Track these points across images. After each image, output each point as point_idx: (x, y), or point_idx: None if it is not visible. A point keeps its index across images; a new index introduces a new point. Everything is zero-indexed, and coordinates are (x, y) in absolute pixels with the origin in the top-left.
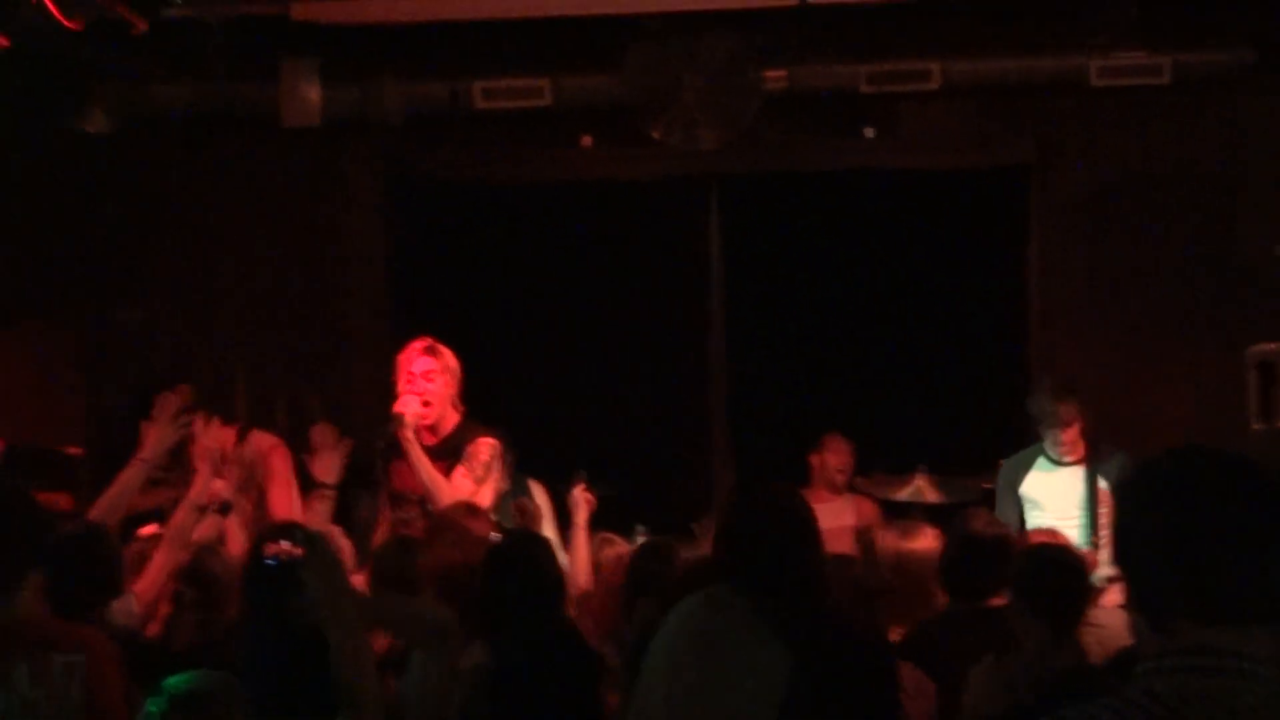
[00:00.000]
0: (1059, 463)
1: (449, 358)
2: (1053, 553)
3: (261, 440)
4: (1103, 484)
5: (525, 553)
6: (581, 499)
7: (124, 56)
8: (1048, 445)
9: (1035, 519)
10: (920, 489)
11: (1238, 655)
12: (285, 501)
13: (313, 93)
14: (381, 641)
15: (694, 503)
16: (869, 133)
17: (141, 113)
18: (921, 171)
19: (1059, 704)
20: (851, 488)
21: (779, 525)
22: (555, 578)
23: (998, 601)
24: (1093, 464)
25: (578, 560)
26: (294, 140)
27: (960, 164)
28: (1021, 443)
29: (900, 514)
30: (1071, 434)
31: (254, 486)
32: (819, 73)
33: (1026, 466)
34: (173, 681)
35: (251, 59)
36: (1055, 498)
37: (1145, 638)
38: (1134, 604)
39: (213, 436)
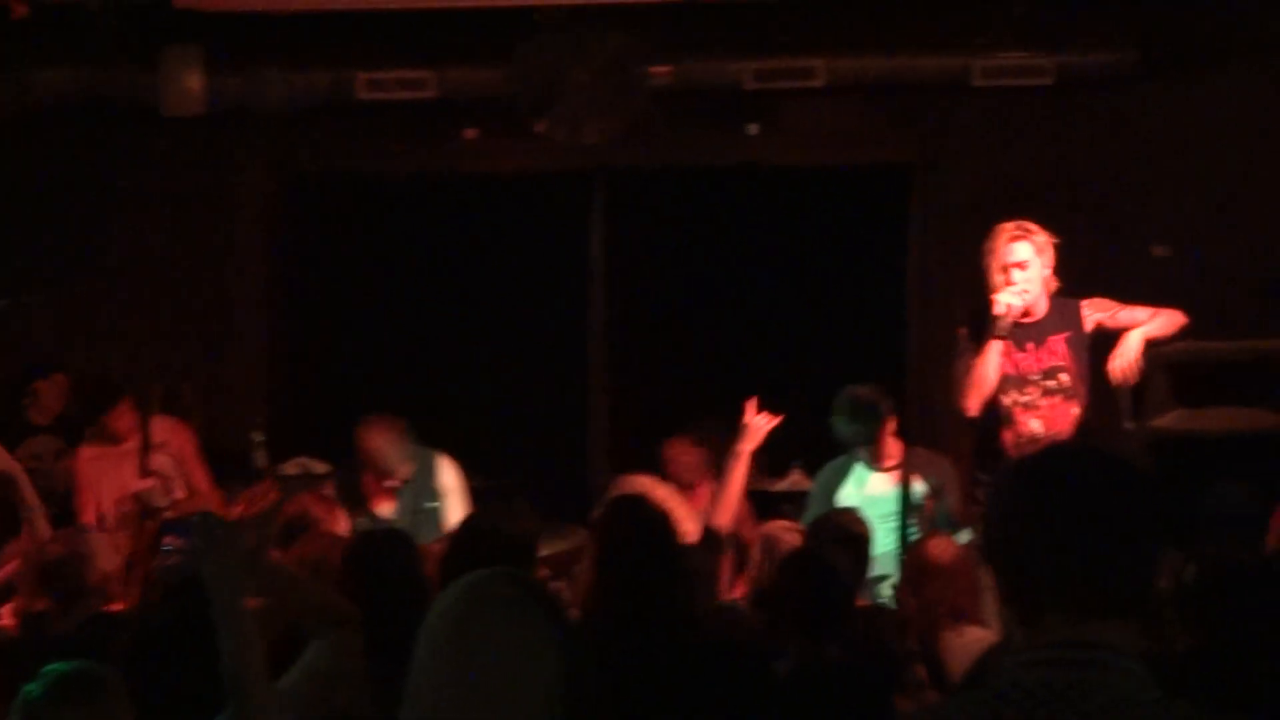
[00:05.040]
0: (876, 469)
1: (1040, 235)
2: None
3: (162, 424)
4: (920, 487)
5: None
6: None
7: (2, 41)
8: (864, 456)
9: None
10: (797, 482)
11: (1101, 647)
12: (206, 480)
13: (195, 81)
14: None
15: (571, 498)
16: (753, 129)
17: (21, 99)
18: (805, 168)
19: None
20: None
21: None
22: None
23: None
24: (907, 467)
25: None
26: (178, 129)
27: (843, 161)
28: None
29: (774, 506)
30: (890, 443)
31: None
32: (704, 69)
33: (844, 475)
34: (51, 667)
35: (134, 46)
36: (874, 505)
37: (1014, 631)
38: (1004, 598)
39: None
